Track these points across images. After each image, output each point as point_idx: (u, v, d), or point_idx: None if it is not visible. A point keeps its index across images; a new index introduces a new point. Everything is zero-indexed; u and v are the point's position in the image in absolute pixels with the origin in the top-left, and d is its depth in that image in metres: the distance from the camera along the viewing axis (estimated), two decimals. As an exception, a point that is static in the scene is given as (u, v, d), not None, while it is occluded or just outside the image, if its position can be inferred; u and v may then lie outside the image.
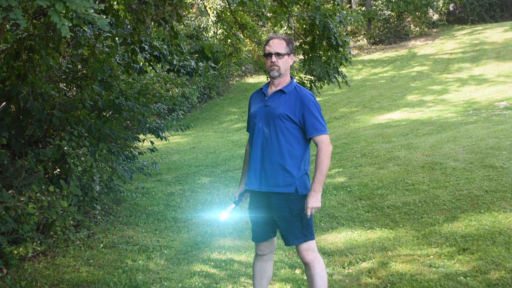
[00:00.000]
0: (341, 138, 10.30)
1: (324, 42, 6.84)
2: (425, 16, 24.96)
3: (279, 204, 2.73)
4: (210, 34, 17.10)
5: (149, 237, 4.89)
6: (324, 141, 2.69)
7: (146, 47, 6.44)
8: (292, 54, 2.82)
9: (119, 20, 4.92)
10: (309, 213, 2.64)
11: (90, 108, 5.50)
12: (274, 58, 2.74)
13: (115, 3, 4.85)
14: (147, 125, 6.47)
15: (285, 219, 2.73)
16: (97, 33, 5.60)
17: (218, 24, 8.73)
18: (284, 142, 2.70)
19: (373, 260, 3.95)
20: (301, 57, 7.64)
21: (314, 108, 2.71)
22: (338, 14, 6.80)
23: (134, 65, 6.35)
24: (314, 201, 2.63)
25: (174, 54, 6.97)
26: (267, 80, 2.91)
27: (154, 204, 6.37)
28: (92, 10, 2.51)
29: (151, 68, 6.98)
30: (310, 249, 2.77)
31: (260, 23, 14.97)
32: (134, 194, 6.86)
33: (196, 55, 14.24)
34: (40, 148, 5.10)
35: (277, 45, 2.76)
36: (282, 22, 7.33)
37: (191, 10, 16.16)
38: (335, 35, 6.67)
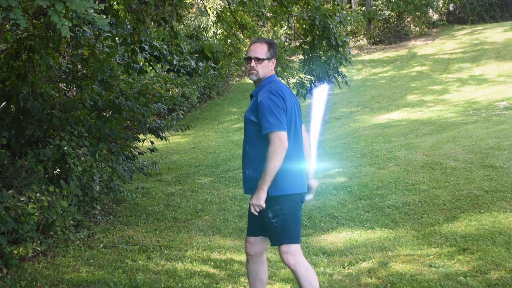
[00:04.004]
0: (341, 138, 10.30)
1: (324, 42, 6.84)
2: (425, 16, 24.95)
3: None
4: (210, 34, 17.11)
5: (149, 237, 4.89)
6: (272, 139, 2.57)
7: (146, 47, 6.44)
8: (273, 59, 2.81)
9: (119, 20, 4.92)
10: (252, 210, 2.62)
11: (90, 108, 5.51)
12: (253, 63, 2.76)
13: (115, 3, 4.85)
14: (147, 125, 6.47)
15: (268, 219, 2.72)
16: (97, 33, 5.60)
17: (218, 24, 8.74)
18: (249, 147, 2.75)
19: (373, 260, 3.95)
20: (301, 57, 7.64)
21: (263, 106, 2.63)
22: (338, 14, 6.81)
23: (134, 65, 6.35)
24: (254, 199, 2.61)
25: (174, 54, 6.97)
26: (246, 73, 2.96)
27: (154, 204, 6.37)
28: (92, 10, 2.51)
29: (151, 68, 6.98)
30: (289, 252, 2.70)
31: (260, 23, 14.97)
32: (134, 194, 6.85)
33: (196, 55, 14.24)
34: (40, 148, 5.10)
35: (258, 50, 2.76)
36: (282, 22, 7.33)
37: (191, 10, 16.16)
38: (335, 35, 6.67)
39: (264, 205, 2.61)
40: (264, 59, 2.76)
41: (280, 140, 2.57)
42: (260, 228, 2.84)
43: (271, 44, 2.81)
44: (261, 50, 2.76)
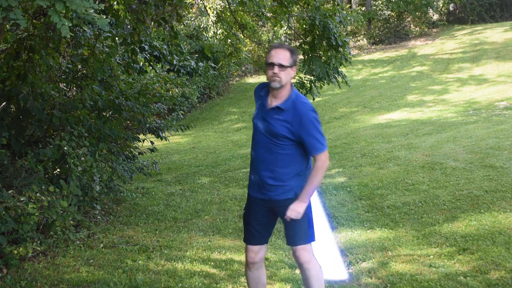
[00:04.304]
0: (341, 138, 10.30)
1: (324, 42, 6.85)
2: (425, 16, 24.95)
3: (284, 209, 2.74)
4: (210, 34, 17.10)
5: (149, 237, 4.89)
6: (321, 158, 2.70)
7: (146, 47, 6.45)
8: (294, 66, 2.75)
9: (119, 20, 4.93)
10: (289, 215, 2.68)
11: (90, 108, 5.50)
12: (276, 70, 2.67)
13: (115, 3, 4.85)
14: (147, 125, 6.47)
15: (289, 220, 2.74)
16: (97, 33, 5.60)
17: (218, 24, 8.74)
18: (284, 157, 2.72)
19: (373, 260, 3.95)
20: (301, 57, 7.65)
21: (312, 127, 2.68)
22: (338, 14, 6.81)
23: (134, 65, 6.35)
24: (298, 207, 2.69)
25: (174, 54, 6.97)
26: (267, 80, 2.87)
27: (154, 204, 6.37)
28: (92, 10, 2.51)
29: (151, 68, 6.98)
30: (306, 249, 2.78)
31: (260, 23, 14.97)
32: (134, 194, 6.85)
33: (196, 55, 14.25)
34: (40, 148, 5.10)
35: (281, 56, 2.68)
36: (282, 22, 7.34)
37: (191, 10, 16.15)
38: (335, 35, 6.68)
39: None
40: (287, 66, 2.68)
41: (326, 158, 2.72)
42: (266, 236, 2.90)
43: (293, 52, 2.75)
44: (284, 57, 2.68)
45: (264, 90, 2.85)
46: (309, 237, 2.80)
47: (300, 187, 2.74)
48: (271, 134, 2.71)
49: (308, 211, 2.77)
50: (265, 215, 2.86)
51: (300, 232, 2.78)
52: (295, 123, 2.67)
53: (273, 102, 2.76)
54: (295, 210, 2.68)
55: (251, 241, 2.89)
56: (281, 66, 2.66)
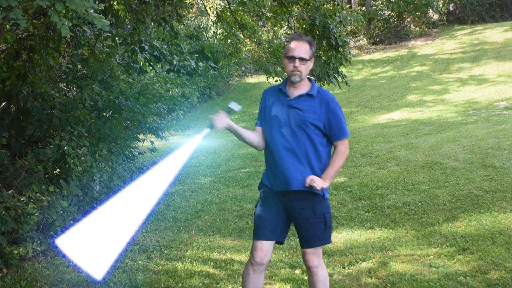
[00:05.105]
0: (341, 138, 10.27)
1: (324, 42, 6.84)
2: (425, 16, 24.95)
3: (301, 205, 2.69)
4: (210, 34, 17.11)
5: (149, 237, 4.89)
6: (345, 144, 2.73)
7: (146, 47, 6.44)
8: (313, 58, 2.71)
9: (119, 20, 4.93)
10: (309, 182, 2.59)
11: (90, 108, 5.51)
12: (297, 63, 2.61)
13: (115, 3, 4.85)
14: (147, 125, 6.47)
15: (308, 220, 2.69)
16: (97, 33, 5.60)
17: (218, 24, 8.73)
18: (311, 146, 2.67)
19: (373, 260, 3.95)
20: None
21: (340, 112, 2.73)
22: (338, 14, 6.80)
23: (134, 65, 6.35)
24: (322, 183, 2.62)
25: (174, 54, 6.97)
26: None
27: (154, 204, 6.36)
28: (92, 10, 2.51)
29: (151, 68, 6.98)
30: (316, 253, 2.73)
31: (260, 23, 14.96)
32: (134, 194, 6.84)
33: (196, 55, 14.25)
34: (40, 148, 5.10)
35: (301, 49, 2.61)
36: (282, 22, 7.33)
37: (191, 10, 16.17)
38: (335, 35, 6.67)
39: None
40: (307, 59, 2.63)
41: (348, 146, 2.76)
42: (279, 230, 2.76)
43: (312, 43, 2.69)
44: (305, 50, 2.62)
45: (281, 87, 2.77)
46: (325, 239, 2.74)
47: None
48: (301, 122, 2.64)
49: (326, 211, 2.71)
50: (281, 213, 2.75)
51: (317, 234, 2.70)
52: (323, 110, 2.66)
53: (295, 93, 2.72)
54: (317, 181, 2.60)
55: (260, 235, 2.72)
56: (301, 59, 2.62)
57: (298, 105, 2.68)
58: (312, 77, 2.88)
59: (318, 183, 2.60)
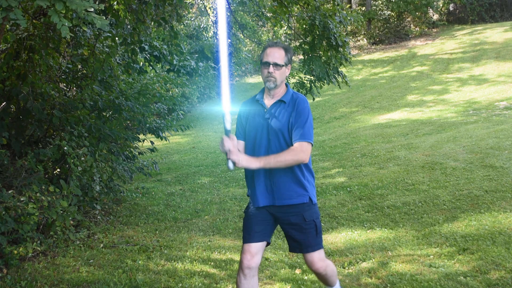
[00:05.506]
0: (341, 138, 10.30)
1: (324, 42, 6.84)
2: (425, 16, 24.96)
3: (291, 211, 2.68)
4: (210, 34, 17.10)
5: (149, 237, 4.89)
6: (304, 147, 2.55)
7: (146, 47, 6.45)
8: (289, 65, 2.70)
9: (119, 20, 4.93)
10: (232, 157, 2.49)
11: (90, 108, 5.50)
12: (271, 69, 2.60)
13: (115, 3, 4.85)
14: (147, 125, 6.47)
15: (299, 227, 2.69)
16: (97, 33, 5.60)
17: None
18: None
19: (373, 260, 3.95)
20: (301, 57, 7.65)
21: (307, 115, 2.62)
22: (338, 14, 6.80)
23: (134, 65, 6.36)
24: (248, 161, 2.52)
25: (174, 54, 6.98)
26: (262, 79, 2.83)
27: (154, 204, 6.37)
28: (92, 10, 2.51)
29: (151, 68, 6.99)
30: (320, 257, 2.72)
31: (260, 23, 14.97)
32: (134, 194, 6.86)
33: (196, 55, 14.25)
34: (40, 148, 5.10)
35: (276, 55, 2.61)
36: (282, 22, 7.33)
37: (191, 10, 16.17)
38: (335, 35, 6.67)
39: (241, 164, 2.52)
40: (282, 65, 2.62)
41: (305, 152, 2.56)
42: (267, 232, 2.73)
43: (288, 50, 2.68)
44: (279, 55, 2.62)
45: (258, 97, 2.76)
46: (320, 243, 2.73)
47: (312, 192, 2.70)
48: (278, 130, 2.62)
49: (316, 217, 2.70)
50: (268, 215, 2.74)
51: (312, 238, 2.69)
52: (294, 114, 2.62)
53: (271, 101, 2.71)
54: (241, 158, 2.50)
55: (248, 238, 2.70)
56: (276, 65, 2.61)
57: (274, 114, 2.67)
58: (288, 84, 2.81)
59: (241, 161, 2.49)
